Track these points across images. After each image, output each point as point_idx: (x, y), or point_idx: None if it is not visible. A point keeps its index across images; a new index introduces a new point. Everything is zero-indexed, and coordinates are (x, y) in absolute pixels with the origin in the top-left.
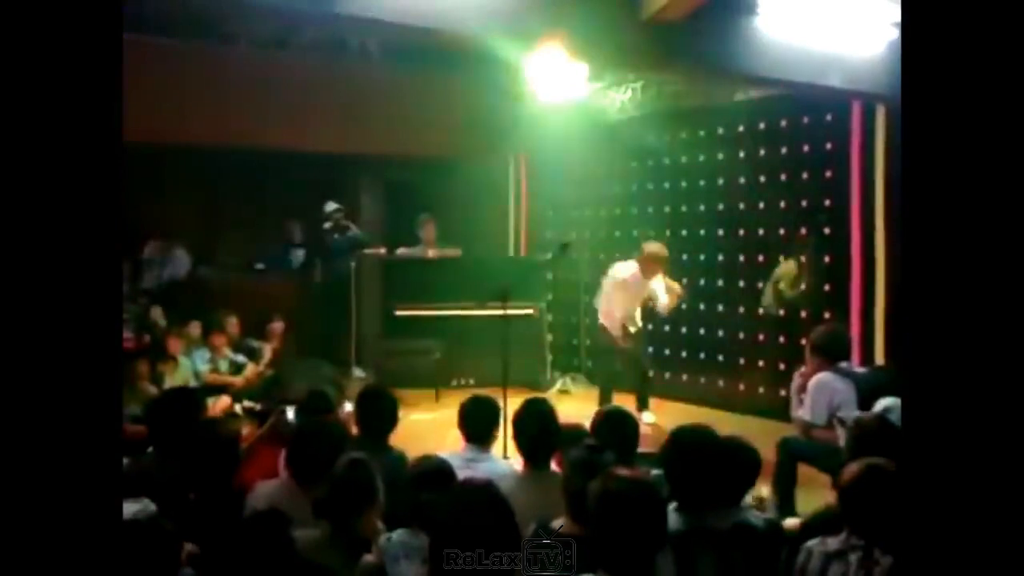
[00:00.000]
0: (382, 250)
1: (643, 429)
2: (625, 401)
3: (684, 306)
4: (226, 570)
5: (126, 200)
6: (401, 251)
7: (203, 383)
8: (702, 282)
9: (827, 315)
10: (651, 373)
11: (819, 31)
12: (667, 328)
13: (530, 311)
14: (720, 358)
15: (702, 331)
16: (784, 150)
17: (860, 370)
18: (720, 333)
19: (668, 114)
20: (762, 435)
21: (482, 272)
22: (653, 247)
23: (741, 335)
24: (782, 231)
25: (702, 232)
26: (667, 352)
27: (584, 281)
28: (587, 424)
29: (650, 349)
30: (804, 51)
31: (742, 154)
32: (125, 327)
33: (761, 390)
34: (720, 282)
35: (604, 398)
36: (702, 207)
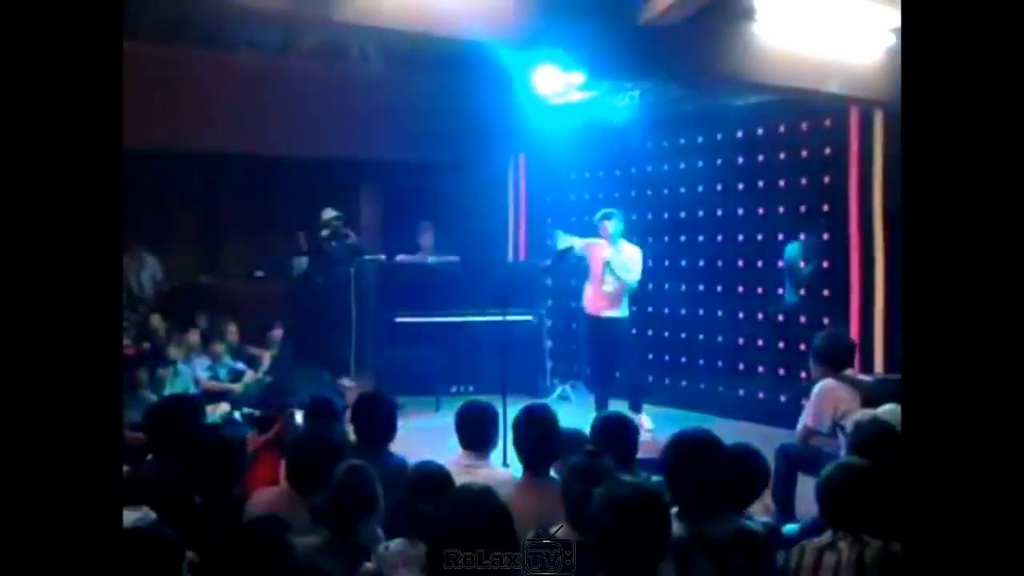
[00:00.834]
0: (382, 256)
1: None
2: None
3: (683, 311)
4: None
5: (126, 207)
6: (400, 258)
7: (202, 390)
8: (701, 287)
9: (826, 320)
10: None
11: (817, 37)
12: (666, 333)
13: (529, 317)
14: (719, 363)
15: (700, 336)
16: (782, 155)
17: (866, 378)
18: (719, 338)
19: (667, 119)
20: (761, 441)
21: (481, 278)
22: None
23: (740, 340)
24: (780, 236)
25: (700, 237)
26: (666, 357)
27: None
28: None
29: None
30: (802, 57)
31: (740, 159)
32: (125, 335)
33: (760, 396)
34: (719, 287)
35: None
36: (701, 212)
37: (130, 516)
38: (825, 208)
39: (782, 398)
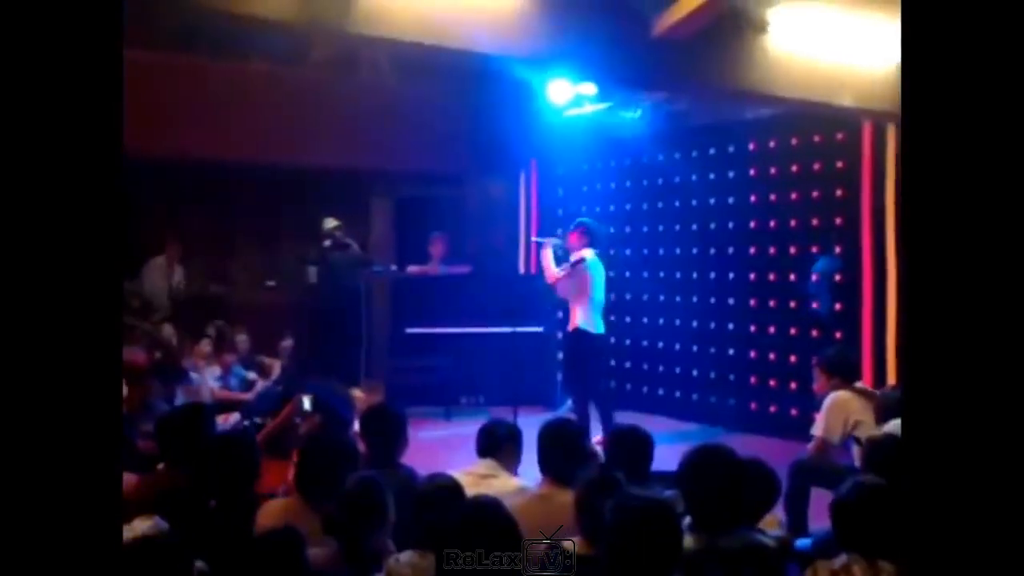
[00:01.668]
0: (393, 267)
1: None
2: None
3: (695, 324)
4: None
5: (137, 216)
6: (411, 268)
7: (213, 400)
8: (712, 300)
9: (838, 335)
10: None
11: (830, 49)
12: (677, 347)
13: (540, 329)
14: (730, 377)
15: (712, 350)
16: (795, 168)
17: (878, 390)
18: (730, 352)
19: (679, 132)
20: (773, 455)
21: (492, 290)
22: None
23: (752, 354)
24: (792, 250)
25: (712, 251)
26: (676, 371)
27: None
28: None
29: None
30: (815, 70)
31: (752, 172)
32: (137, 345)
33: (772, 409)
34: (731, 300)
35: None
36: (713, 225)
37: (140, 525)
38: (838, 221)
39: (793, 412)
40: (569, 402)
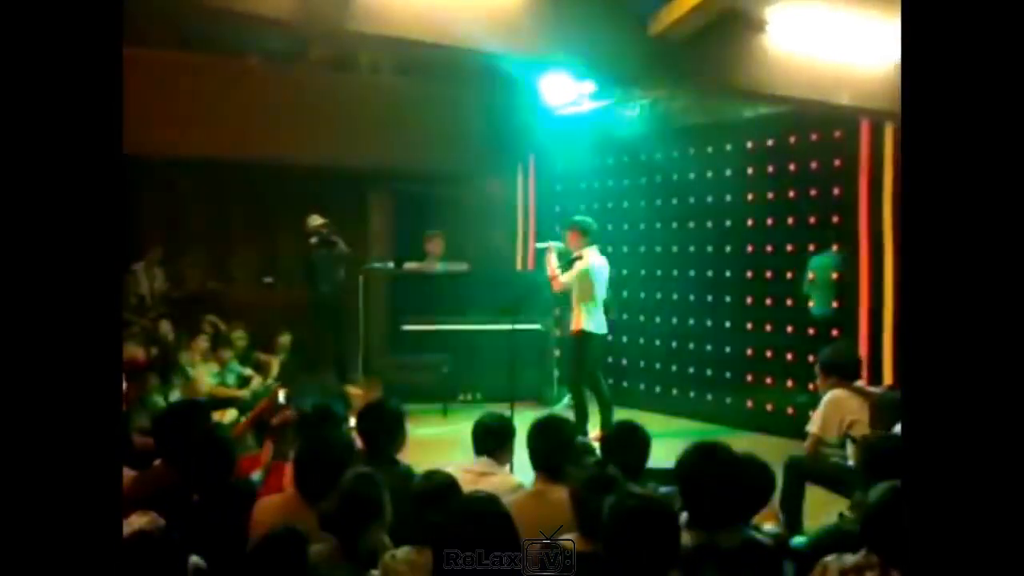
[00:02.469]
0: (390, 264)
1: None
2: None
3: (691, 322)
4: None
5: (137, 212)
6: (409, 265)
7: (210, 396)
8: (709, 298)
9: (835, 333)
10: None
11: (828, 48)
12: (674, 344)
13: (537, 326)
14: (727, 375)
15: (708, 347)
16: (792, 167)
17: (875, 389)
18: (727, 350)
19: (676, 130)
20: (769, 453)
21: (490, 286)
22: None
23: (748, 352)
24: (789, 248)
25: (709, 248)
26: (673, 368)
27: None
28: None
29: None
30: (813, 68)
31: (750, 171)
32: (135, 341)
33: (768, 407)
34: (727, 298)
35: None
36: (710, 223)
37: (138, 521)
38: (835, 220)
39: (789, 410)
40: (567, 399)
